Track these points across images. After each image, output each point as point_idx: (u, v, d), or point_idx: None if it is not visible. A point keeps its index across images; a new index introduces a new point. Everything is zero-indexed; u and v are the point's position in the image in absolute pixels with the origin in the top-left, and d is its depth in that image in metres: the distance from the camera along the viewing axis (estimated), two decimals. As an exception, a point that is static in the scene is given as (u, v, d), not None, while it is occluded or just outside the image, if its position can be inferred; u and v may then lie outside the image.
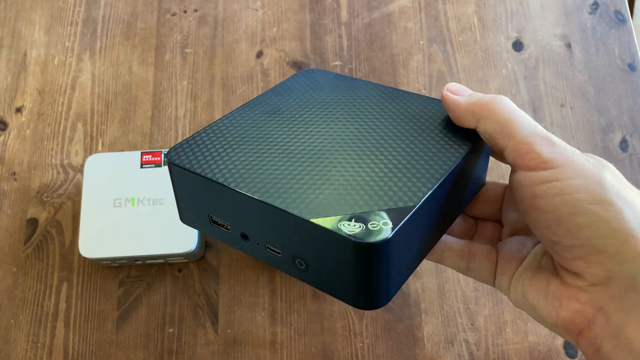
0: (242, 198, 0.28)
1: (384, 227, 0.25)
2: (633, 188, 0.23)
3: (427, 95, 0.58)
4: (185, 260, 0.52)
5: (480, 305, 0.51)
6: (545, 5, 0.62)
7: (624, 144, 0.56)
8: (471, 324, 0.51)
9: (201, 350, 0.50)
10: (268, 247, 0.30)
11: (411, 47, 0.60)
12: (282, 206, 0.27)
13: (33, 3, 0.62)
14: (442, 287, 0.52)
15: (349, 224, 0.25)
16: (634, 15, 1.19)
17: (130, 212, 0.49)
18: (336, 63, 0.59)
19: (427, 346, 0.50)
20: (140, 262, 0.51)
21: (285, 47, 0.60)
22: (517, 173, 0.25)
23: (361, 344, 0.50)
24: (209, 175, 0.29)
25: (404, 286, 0.52)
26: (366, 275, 0.26)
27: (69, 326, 0.51)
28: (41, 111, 0.58)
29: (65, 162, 0.56)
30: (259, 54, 0.60)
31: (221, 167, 0.30)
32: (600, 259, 0.22)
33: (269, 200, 0.27)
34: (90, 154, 0.56)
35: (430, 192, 0.27)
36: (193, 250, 0.49)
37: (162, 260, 0.51)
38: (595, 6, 0.62)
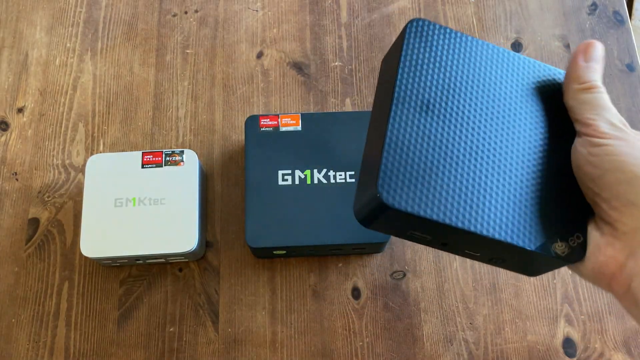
0: (450, 227, 0.30)
1: (579, 246, 0.30)
2: None
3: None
4: (186, 260, 0.52)
5: (479, 304, 0.51)
6: (544, 6, 0.62)
7: (622, 144, 0.57)
8: (470, 323, 0.51)
9: (202, 349, 0.50)
10: (467, 251, 0.33)
11: (411, 47, 0.60)
12: (495, 236, 0.30)
13: (34, 4, 0.62)
14: (441, 287, 0.52)
15: (559, 246, 0.30)
16: (632, 16, 1.20)
17: (131, 212, 0.50)
18: (336, 64, 0.60)
19: (426, 345, 0.50)
20: (141, 262, 0.52)
21: (286, 47, 0.60)
22: (581, 138, 0.30)
23: (361, 343, 0.50)
24: (425, 214, 0.30)
25: (403, 285, 0.52)
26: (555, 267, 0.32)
27: (70, 325, 0.51)
28: (42, 111, 0.58)
29: (67, 162, 0.56)
30: (259, 55, 0.60)
31: (428, 201, 0.30)
32: (632, 210, 0.25)
33: (482, 232, 0.30)
34: (92, 154, 0.56)
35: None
36: (193, 250, 0.49)
37: (162, 260, 0.51)
38: (593, 7, 0.62)
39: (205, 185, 0.55)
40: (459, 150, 0.32)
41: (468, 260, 0.52)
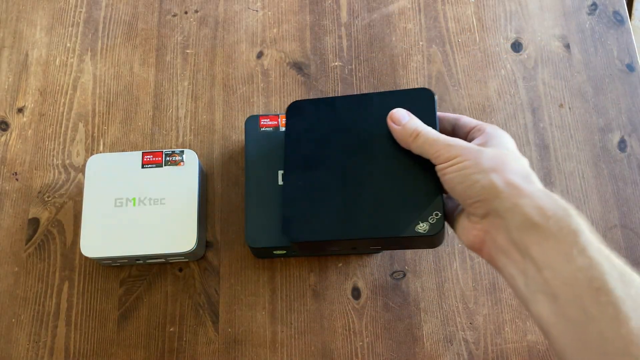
0: (341, 240, 0.43)
1: (437, 221, 0.41)
2: (505, 164, 0.37)
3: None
4: (186, 260, 0.52)
5: (479, 304, 0.51)
6: (544, 6, 0.62)
7: (622, 144, 0.57)
8: (470, 323, 0.51)
9: (202, 349, 0.50)
10: (371, 248, 0.47)
11: (410, 47, 0.60)
12: (373, 235, 0.42)
13: (34, 4, 0.62)
14: (441, 287, 0.52)
15: (421, 226, 0.41)
16: (632, 16, 1.20)
17: (131, 212, 0.50)
18: (336, 64, 0.60)
19: (426, 345, 0.50)
20: (141, 262, 0.52)
21: (286, 47, 0.60)
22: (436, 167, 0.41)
23: (361, 343, 0.50)
24: (321, 238, 0.43)
25: (403, 285, 0.52)
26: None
27: (70, 325, 0.51)
28: (42, 111, 0.58)
29: (67, 162, 0.56)
30: (259, 55, 0.60)
31: (320, 229, 0.43)
32: (480, 204, 0.37)
33: (363, 235, 0.43)
34: (92, 154, 0.56)
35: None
36: (193, 250, 0.49)
37: (163, 260, 0.51)
38: (594, 7, 0.62)
39: (205, 185, 0.55)
40: (336, 186, 0.44)
41: (468, 260, 0.53)
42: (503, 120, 0.57)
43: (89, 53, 0.60)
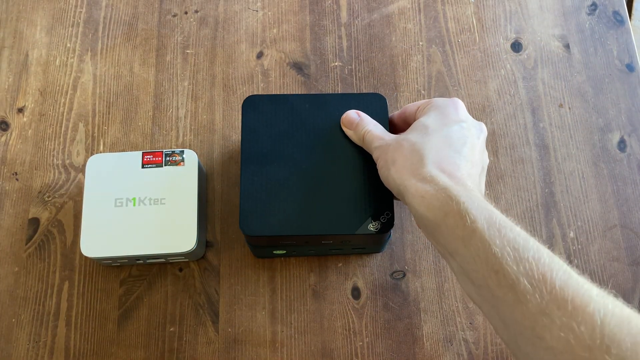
0: (294, 235, 0.45)
1: (388, 220, 0.44)
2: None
3: (426, 94, 0.59)
4: (186, 260, 0.52)
5: (479, 304, 0.51)
6: (544, 6, 0.62)
7: (622, 144, 0.57)
8: (470, 323, 0.51)
9: (202, 349, 0.50)
10: (322, 242, 0.47)
11: (410, 47, 0.60)
12: (327, 232, 0.44)
13: (34, 4, 0.62)
14: (441, 287, 0.52)
15: (372, 225, 0.44)
16: (632, 16, 1.20)
17: (131, 212, 0.50)
18: (336, 64, 0.60)
19: (426, 345, 0.50)
20: (141, 262, 0.52)
21: (286, 48, 0.60)
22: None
23: (361, 343, 0.50)
24: (274, 233, 0.44)
25: (403, 285, 0.52)
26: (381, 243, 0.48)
27: (70, 325, 0.51)
28: (43, 111, 0.58)
29: (67, 162, 0.56)
30: (259, 55, 0.60)
31: (274, 224, 0.44)
32: (402, 201, 0.39)
33: (317, 232, 0.44)
34: (92, 154, 0.56)
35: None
36: (193, 250, 0.49)
37: (163, 260, 0.51)
38: (593, 7, 0.62)
39: (205, 185, 0.55)
40: (292, 182, 0.45)
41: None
42: (503, 120, 0.57)
43: (89, 53, 0.60)
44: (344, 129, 0.46)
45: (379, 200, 0.44)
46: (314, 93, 0.50)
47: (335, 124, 0.47)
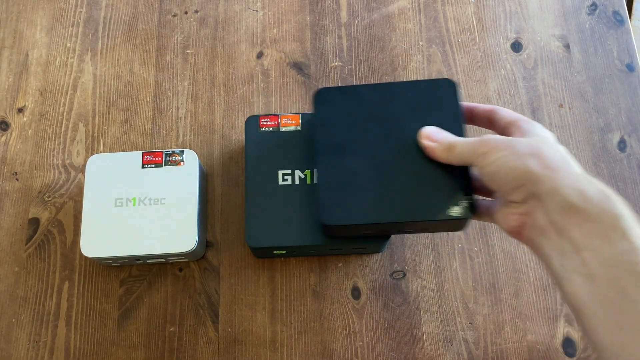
0: (376, 223, 0.45)
1: (470, 206, 0.43)
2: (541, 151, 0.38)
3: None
4: (186, 260, 0.52)
5: (479, 304, 0.51)
6: (544, 6, 0.62)
7: (622, 144, 0.57)
8: (470, 323, 0.51)
9: (202, 349, 0.50)
10: (400, 231, 0.49)
11: (410, 47, 0.60)
12: (407, 218, 0.44)
13: (34, 4, 0.62)
14: (441, 287, 0.52)
15: (453, 210, 0.43)
16: (632, 16, 1.20)
17: (131, 212, 0.50)
18: (336, 64, 0.60)
19: (426, 345, 0.50)
20: (141, 262, 0.52)
21: (286, 47, 0.60)
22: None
23: (361, 343, 0.50)
24: (355, 222, 0.45)
25: (403, 285, 0.52)
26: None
27: (70, 325, 0.51)
28: (43, 111, 0.58)
29: (67, 162, 0.56)
30: (259, 55, 0.60)
31: (354, 213, 0.45)
32: (519, 190, 0.38)
33: (397, 219, 0.44)
34: (92, 154, 0.56)
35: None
36: (193, 250, 0.49)
37: (163, 260, 0.51)
38: (593, 7, 0.62)
39: (205, 185, 0.55)
40: (369, 172, 0.45)
41: (468, 260, 0.53)
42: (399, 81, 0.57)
43: (89, 53, 0.60)
44: (425, 143, 0.44)
45: (460, 185, 0.44)
46: (381, 82, 0.50)
47: (406, 112, 0.47)
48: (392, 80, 0.59)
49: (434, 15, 0.62)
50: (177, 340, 0.51)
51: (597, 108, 0.58)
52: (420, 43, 0.61)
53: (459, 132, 0.45)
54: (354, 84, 0.59)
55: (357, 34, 0.61)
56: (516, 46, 0.61)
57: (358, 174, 0.45)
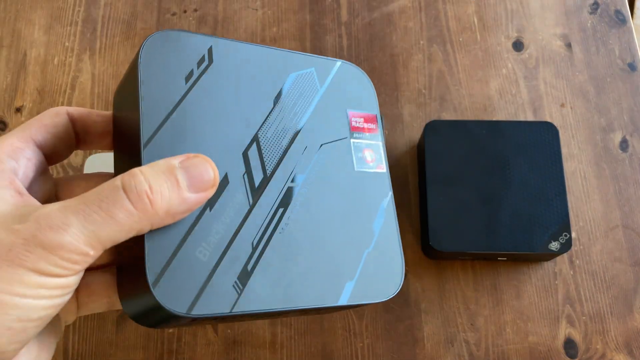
0: (494, 253, 0.51)
1: (567, 241, 0.49)
2: None
3: (427, 93, 0.58)
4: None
5: (480, 305, 0.51)
6: (546, 5, 0.62)
7: (624, 144, 0.56)
8: (471, 324, 0.51)
9: (201, 351, 0.50)
10: (499, 259, 0.52)
11: (411, 47, 0.60)
12: (513, 250, 0.49)
13: (33, 3, 0.62)
14: (442, 287, 0.52)
15: (553, 244, 0.49)
16: (634, 15, 1.19)
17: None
18: (336, 63, 0.59)
19: (427, 346, 0.50)
20: (140, 262, 0.51)
21: (285, 47, 0.60)
22: None
23: (361, 344, 0.50)
24: (469, 250, 0.50)
25: (404, 286, 0.52)
26: None
27: (69, 326, 0.51)
28: (41, 111, 0.58)
29: (65, 162, 0.56)
30: (259, 54, 0.60)
31: (466, 240, 0.50)
32: None
33: (509, 251, 0.49)
34: (90, 154, 0.56)
35: None
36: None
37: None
38: (595, 6, 0.62)
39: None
40: (475, 203, 0.50)
41: (468, 261, 0.52)
42: (504, 119, 0.57)
43: (88, 52, 0.60)
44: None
45: (558, 222, 0.49)
46: (488, 120, 0.53)
47: (510, 148, 0.51)
48: (393, 80, 0.59)
49: (434, 14, 0.61)
50: (176, 342, 0.50)
51: (599, 108, 0.58)
52: (421, 42, 0.60)
53: (560, 173, 0.50)
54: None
55: (357, 33, 0.61)
56: (517, 45, 0.60)
57: (465, 204, 0.50)
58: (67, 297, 0.22)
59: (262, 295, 0.24)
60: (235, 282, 0.24)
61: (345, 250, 0.27)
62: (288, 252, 0.26)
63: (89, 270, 0.27)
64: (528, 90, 0.58)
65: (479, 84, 0.59)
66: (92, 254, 0.21)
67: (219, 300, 0.23)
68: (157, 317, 0.23)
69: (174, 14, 0.61)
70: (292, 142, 0.27)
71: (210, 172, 0.23)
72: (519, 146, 0.52)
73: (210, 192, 0.23)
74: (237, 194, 0.25)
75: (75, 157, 0.56)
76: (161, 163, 0.22)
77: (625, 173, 0.55)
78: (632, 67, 0.59)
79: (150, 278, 0.22)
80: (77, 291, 0.28)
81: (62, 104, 0.58)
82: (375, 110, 0.31)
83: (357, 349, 0.50)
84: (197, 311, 0.23)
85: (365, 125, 0.30)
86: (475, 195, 0.50)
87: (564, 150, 0.56)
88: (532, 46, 0.60)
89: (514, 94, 0.58)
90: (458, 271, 0.52)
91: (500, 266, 0.52)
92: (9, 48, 0.60)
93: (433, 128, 0.53)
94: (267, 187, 0.26)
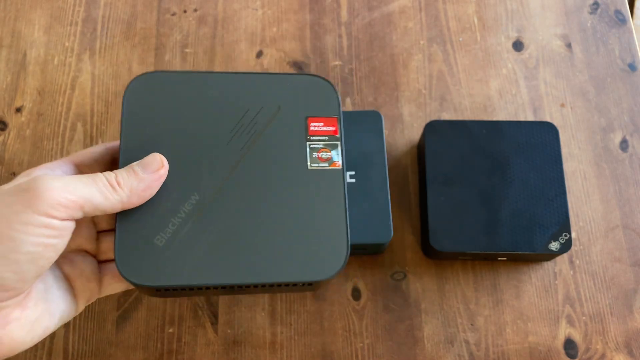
0: (485, 253, 0.50)
1: (567, 241, 0.49)
2: None
3: (427, 93, 0.58)
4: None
5: (480, 305, 0.51)
6: (546, 5, 0.62)
7: (624, 144, 0.56)
8: (471, 324, 0.51)
9: (201, 351, 0.50)
10: (499, 259, 0.52)
11: (411, 46, 0.60)
12: (512, 250, 0.49)
13: (33, 3, 0.62)
14: (442, 287, 0.52)
15: (553, 244, 0.49)
16: (634, 15, 1.19)
17: (130, 212, 0.50)
18: (336, 63, 0.59)
19: (427, 346, 0.50)
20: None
21: (285, 47, 0.60)
22: None
23: (361, 344, 0.50)
24: (468, 250, 0.50)
25: (404, 286, 0.52)
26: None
27: (68, 326, 0.51)
28: (41, 111, 0.58)
29: (65, 162, 0.56)
30: (259, 54, 0.60)
31: (466, 240, 0.50)
32: None
33: (503, 250, 0.49)
34: (90, 154, 0.56)
35: None
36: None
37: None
38: (595, 6, 0.62)
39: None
40: (475, 203, 0.50)
41: (469, 261, 0.52)
42: (504, 119, 0.57)
43: (88, 52, 0.60)
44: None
45: (558, 222, 0.49)
46: (488, 120, 0.53)
47: (510, 149, 0.51)
48: (393, 80, 0.59)
49: (434, 13, 0.61)
50: (176, 342, 0.50)
51: (599, 108, 0.58)
52: (421, 42, 0.60)
53: (559, 173, 0.50)
54: (354, 83, 0.59)
55: (357, 32, 0.61)
56: (517, 45, 0.60)
57: (465, 204, 0.50)
58: (61, 242, 0.29)
59: (208, 271, 0.31)
60: (187, 260, 0.31)
61: (290, 231, 0.32)
62: (233, 235, 0.32)
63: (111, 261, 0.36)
64: (528, 90, 0.58)
65: (479, 84, 0.59)
66: (66, 213, 0.28)
67: (170, 274, 0.31)
68: (139, 288, 0.32)
69: (173, 14, 0.61)
70: (250, 149, 0.34)
71: (157, 158, 0.32)
72: (519, 146, 0.52)
73: (161, 172, 0.32)
74: (192, 197, 0.32)
75: (75, 157, 0.56)
76: (127, 166, 0.32)
77: (625, 173, 0.55)
78: (632, 67, 0.59)
79: (118, 260, 0.31)
80: (102, 275, 0.36)
81: (62, 104, 0.58)
82: (336, 114, 0.35)
83: (357, 349, 0.50)
84: (153, 281, 0.31)
85: (324, 128, 0.35)
86: (475, 196, 0.50)
87: (564, 151, 0.56)
88: (532, 46, 0.60)
89: (514, 94, 0.58)
90: (458, 271, 0.52)
91: (500, 266, 0.52)
92: (8, 48, 0.60)
93: (433, 128, 0.53)
94: (221, 189, 0.33)
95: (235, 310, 0.51)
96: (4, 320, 0.28)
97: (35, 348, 0.50)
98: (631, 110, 0.57)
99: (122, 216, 0.31)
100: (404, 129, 0.57)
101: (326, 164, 0.34)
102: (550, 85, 0.58)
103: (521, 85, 0.58)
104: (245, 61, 0.59)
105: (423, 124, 0.57)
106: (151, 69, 0.59)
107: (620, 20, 0.61)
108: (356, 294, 0.52)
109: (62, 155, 0.56)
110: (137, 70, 0.59)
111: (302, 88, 0.36)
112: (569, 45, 0.60)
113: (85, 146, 0.56)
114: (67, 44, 0.60)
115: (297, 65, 0.59)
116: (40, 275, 0.29)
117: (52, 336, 0.50)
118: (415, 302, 0.51)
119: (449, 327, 0.50)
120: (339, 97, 0.37)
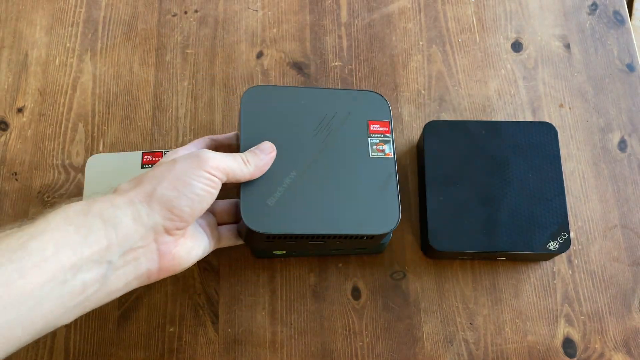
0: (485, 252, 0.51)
1: (565, 241, 0.49)
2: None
3: (426, 94, 0.58)
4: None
5: (479, 304, 0.51)
6: (545, 6, 0.62)
7: (622, 144, 0.56)
8: (470, 323, 0.51)
9: (202, 350, 0.50)
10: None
11: (411, 47, 0.60)
12: (510, 250, 0.49)
13: (34, 4, 0.62)
14: (441, 287, 0.52)
15: (552, 244, 0.49)
16: (632, 16, 1.19)
17: (131, 212, 0.50)
18: (336, 64, 0.60)
19: (426, 345, 0.50)
20: (141, 262, 0.52)
21: (285, 47, 0.60)
22: None
23: (361, 343, 0.50)
24: (468, 249, 0.50)
25: (403, 285, 0.52)
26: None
27: (70, 326, 0.51)
28: (42, 111, 0.58)
29: (66, 162, 0.56)
30: (259, 55, 0.60)
31: (465, 240, 0.50)
32: None
33: (503, 250, 0.50)
34: (91, 154, 0.56)
35: None
36: (194, 250, 0.50)
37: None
38: (594, 7, 0.62)
39: (205, 185, 0.55)
40: (474, 203, 0.50)
41: (468, 260, 0.52)
42: (503, 120, 0.57)
43: (89, 53, 0.60)
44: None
45: (557, 222, 0.50)
46: (488, 120, 0.54)
47: (509, 149, 0.52)
48: (392, 80, 0.59)
49: (434, 15, 0.62)
50: (177, 341, 0.51)
51: (598, 108, 0.58)
52: (421, 43, 0.61)
53: (558, 173, 0.51)
54: (354, 83, 0.59)
55: (357, 33, 0.61)
56: (516, 46, 0.60)
57: (464, 204, 0.50)
58: (215, 193, 0.40)
59: (302, 223, 0.42)
60: (288, 215, 0.42)
61: (358, 198, 0.44)
62: (319, 199, 0.43)
63: (227, 224, 0.47)
64: (527, 91, 0.58)
65: (478, 84, 0.59)
66: (219, 174, 0.40)
67: (278, 225, 0.42)
68: (249, 238, 0.44)
69: (174, 15, 0.62)
70: (328, 142, 0.46)
71: (269, 145, 0.44)
72: (517, 146, 0.52)
73: (273, 154, 0.43)
74: (291, 173, 0.44)
75: (76, 157, 0.56)
76: (249, 150, 0.44)
77: (623, 173, 0.56)
78: (630, 67, 0.59)
79: (243, 214, 0.42)
80: (220, 234, 0.46)
81: (64, 105, 0.58)
82: (387, 118, 0.47)
83: (356, 348, 0.50)
84: (267, 230, 0.41)
85: (380, 129, 0.47)
86: (475, 196, 0.50)
87: (563, 151, 0.56)
88: (531, 47, 0.60)
89: (512, 94, 0.58)
90: (457, 271, 0.52)
91: (499, 266, 0.52)
92: (10, 49, 0.60)
93: (432, 128, 0.53)
94: (309, 167, 0.44)
95: (235, 310, 0.51)
96: (175, 243, 0.39)
97: (36, 347, 0.50)
98: (629, 110, 0.58)
99: (245, 185, 0.42)
100: (404, 129, 0.57)
101: (382, 154, 0.46)
102: (549, 86, 0.59)
103: (520, 86, 0.59)
104: (245, 62, 0.60)
105: (422, 124, 0.57)
106: (152, 69, 0.59)
107: (618, 21, 0.61)
108: (356, 293, 0.52)
109: (62, 155, 0.56)
110: (138, 70, 0.59)
111: (364, 99, 0.48)
112: (567, 46, 0.60)
113: (86, 146, 0.57)
114: (68, 45, 0.61)
115: (297, 66, 0.59)
116: (199, 216, 0.40)
117: (53, 335, 0.51)
118: (415, 302, 0.52)
119: (448, 326, 0.51)
120: (390, 106, 0.48)
